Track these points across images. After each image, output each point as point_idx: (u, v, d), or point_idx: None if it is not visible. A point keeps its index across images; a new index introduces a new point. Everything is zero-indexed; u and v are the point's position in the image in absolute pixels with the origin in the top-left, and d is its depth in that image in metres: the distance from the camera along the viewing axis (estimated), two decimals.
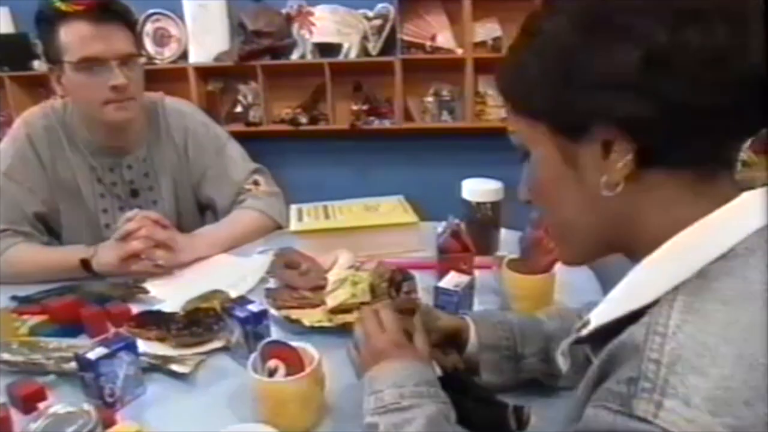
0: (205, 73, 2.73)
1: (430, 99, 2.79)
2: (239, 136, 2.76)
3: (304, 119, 2.71)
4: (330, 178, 2.78)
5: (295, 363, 0.80)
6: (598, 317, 0.51)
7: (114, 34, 1.30)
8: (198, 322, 0.99)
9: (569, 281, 1.12)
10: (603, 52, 0.47)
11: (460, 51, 2.66)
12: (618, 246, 0.57)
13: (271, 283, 1.18)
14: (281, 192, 1.69)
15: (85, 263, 1.27)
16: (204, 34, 2.64)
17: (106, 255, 1.27)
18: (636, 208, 0.51)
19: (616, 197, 0.51)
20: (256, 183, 1.61)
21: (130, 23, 1.37)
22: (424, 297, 1.10)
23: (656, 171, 0.49)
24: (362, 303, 1.05)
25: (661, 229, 0.50)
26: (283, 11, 2.62)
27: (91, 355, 0.81)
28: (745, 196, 0.48)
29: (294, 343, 0.81)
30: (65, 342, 0.99)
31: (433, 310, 0.87)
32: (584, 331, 0.52)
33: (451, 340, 0.85)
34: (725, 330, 0.40)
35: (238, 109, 2.78)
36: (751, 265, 0.44)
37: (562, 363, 0.57)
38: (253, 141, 2.87)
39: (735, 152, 0.51)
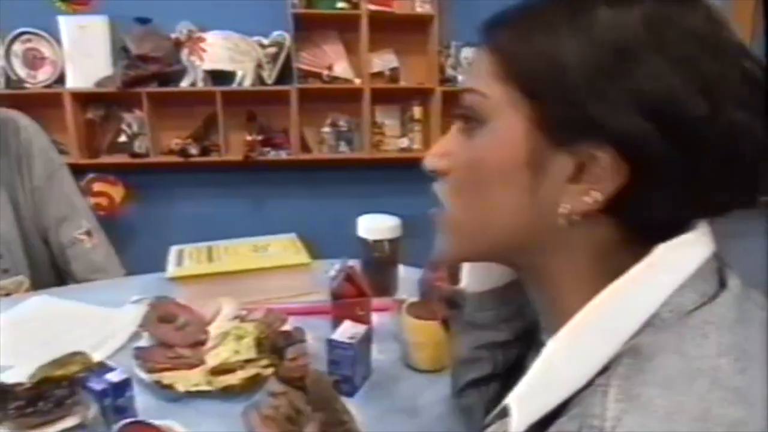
0: (84, 99, 2.51)
1: (327, 129, 2.73)
2: (123, 169, 2.58)
3: (194, 150, 2.56)
4: (221, 212, 2.64)
5: None
6: (521, 406, 0.44)
7: None
8: (46, 396, 0.83)
9: None
10: (658, 72, 0.40)
11: (357, 81, 2.63)
12: (510, 263, 0.52)
13: (144, 341, 1.04)
14: None
15: None
16: (83, 57, 2.43)
17: None
18: (562, 243, 0.45)
19: (553, 224, 0.44)
20: (89, 233, 1.47)
21: None
22: (318, 347, 1.01)
23: (612, 221, 0.44)
24: (246, 361, 0.94)
25: (575, 276, 0.46)
26: (172, 36, 2.47)
27: None
28: (658, 251, 0.42)
29: (158, 422, 0.69)
30: None
31: (323, 378, 0.77)
32: (514, 426, 0.43)
33: None
34: (670, 421, 0.34)
35: (122, 138, 2.57)
36: (687, 338, 0.38)
37: None
38: (138, 173, 2.69)
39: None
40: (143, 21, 2.43)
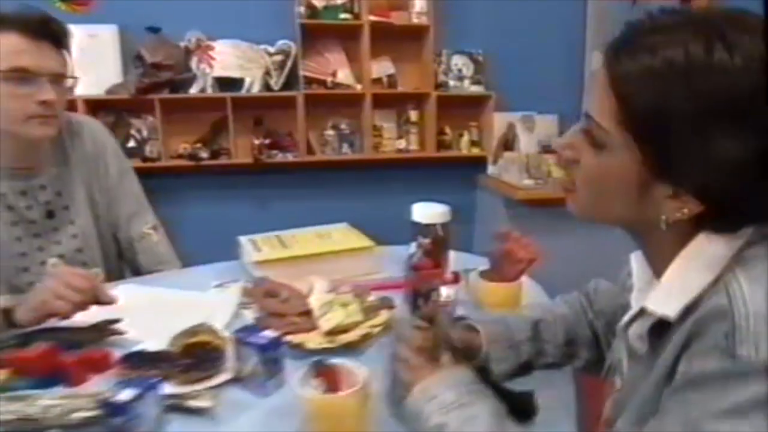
0: (94, 106, 2.57)
1: (330, 132, 2.86)
2: (136, 173, 2.63)
3: (204, 154, 2.65)
4: (231, 213, 2.73)
5: (333, 382, 0.82)
6: (665, 304, 0.62)
7: (49, 52, 1.28)
8: (199, 357, 0.96)
9: (527, 289, 1.25)
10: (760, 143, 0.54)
11: (359, 87, 2.79)
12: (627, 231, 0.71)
13: (253, 313, 1.17)
14: None
15: (6, 314, 1.11)
16: (93, 65, 2.48)
17: (26, 314, 1.10)
18: (660, 231, 0.63)
19: (655, 224, 0.62)
20: (155, 228, 1.60)
21: (64, 46, 1.34)
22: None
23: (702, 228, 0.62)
24: (358, 322, 1.09)
25: (670, 242, 0.64)
26: (182, 44, 2.57)
27: (122, 398, 0.76)
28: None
29: (335, 360, 0.84)
30: (46, 394, 0.90)
31: (448, 320, 0.93)
32: (670, 313, 0.61)
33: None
34: None
35: (131, 144, 2.64)
36: None
37: (641, 345, 0.67)
38: (150, 177, 2.73)
39: None
40: (154, 30, 2.51)
